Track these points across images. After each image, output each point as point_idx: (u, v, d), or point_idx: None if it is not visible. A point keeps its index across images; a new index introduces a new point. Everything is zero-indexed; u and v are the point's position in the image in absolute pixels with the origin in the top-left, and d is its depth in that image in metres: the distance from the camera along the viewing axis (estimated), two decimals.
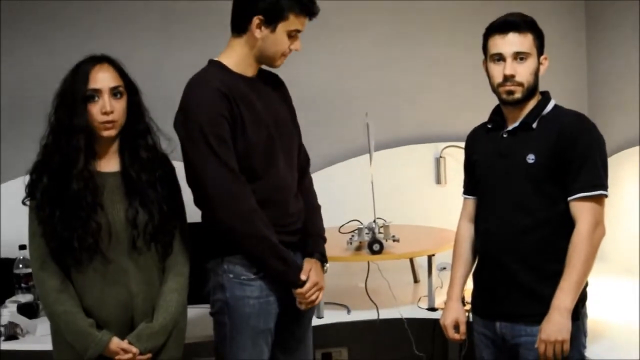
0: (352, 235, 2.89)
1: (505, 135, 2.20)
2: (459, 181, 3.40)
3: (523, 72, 2.12)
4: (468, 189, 2.39)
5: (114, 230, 2.05)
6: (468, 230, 2.35)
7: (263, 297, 2.17)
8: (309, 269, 2.20)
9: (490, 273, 2.24)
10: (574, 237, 2.07)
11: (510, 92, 2.12)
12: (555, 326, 2.04)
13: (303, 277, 2.16)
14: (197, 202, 2.18)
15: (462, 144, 3.37)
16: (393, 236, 2.84)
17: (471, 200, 2.36)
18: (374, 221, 2.85)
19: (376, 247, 2.73)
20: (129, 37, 3.40)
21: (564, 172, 2.08)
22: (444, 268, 3.31)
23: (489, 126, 2.27)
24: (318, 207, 2.37)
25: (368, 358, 3.39)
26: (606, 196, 2.10)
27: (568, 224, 2.09)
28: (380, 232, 2.86)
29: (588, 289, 2.18)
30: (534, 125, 2.15)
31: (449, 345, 3.44)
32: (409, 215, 3.38)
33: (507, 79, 2.11)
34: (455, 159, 3.53)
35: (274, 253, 2.12)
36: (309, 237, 2.29)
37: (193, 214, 2.23)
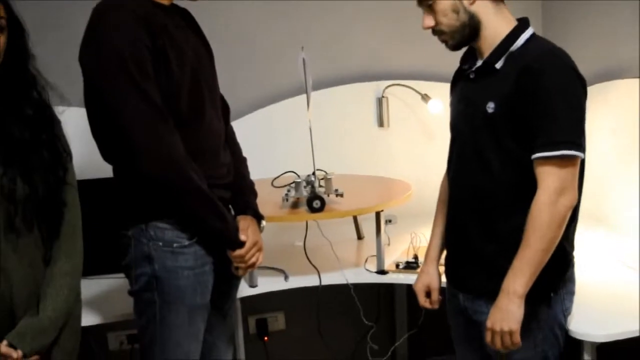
0: (288, 190, 2.51)
1: (471, 77, 1.87)
2: (402, 123, 3.23)
3: (439, 18, 1.82)
4: None
5: None
6: None
7: (198, 266, 1.89)
8: (246, 227, 1.95)
9: (453, 236, 1.97)
10: (532, 207, 1.72)
11: (445, 43, 1.86)
12: (501, 313, 1.75)
13: (243, 237, 1.92)
14: (109, 154, 1.86)
15: (406, 82, 3.18)
16: (336, 190, 2.46)
17: None
18: (313, 173, 2.46)
19: (317, 204, 2.35)
20: None
21: (526, 125, 1.73)
22: (389, 221, 3.03)
23: (465, 67, 1.92)
24: (245, 159, 2.15)
25: (309, 326, 3.05)
26: (576, 157, 1.72)
27: (533, 189, 1.75)
28: (320, 186, 2.49)
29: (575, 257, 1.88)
30: (498, 65, 1.79)
31: (396, 314, 3.16)
32: (350, 164, 3.09)
33: (431, 30, 1.86)
34: (400, 99, 3.22)
35: (211, 209, 1.85)
36: (239, 192, 2.05)
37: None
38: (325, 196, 2.40)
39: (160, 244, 1.84)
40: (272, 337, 3.25)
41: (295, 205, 2.47)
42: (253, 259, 1.95)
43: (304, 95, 2.42)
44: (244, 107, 3.06)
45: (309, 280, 2.51)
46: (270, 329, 3.26)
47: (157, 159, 1.75)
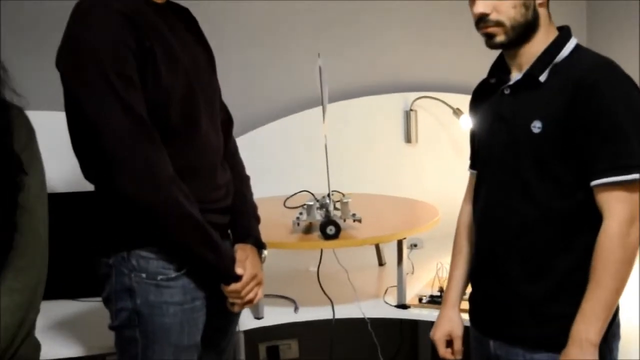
0: (300, 213, 2.26)
1: (506, 92, 1.64)
2: (431, 139, 2.99)
3: (502, 8, 1.58)
4: (473, 162, 1.86)
5: None
6: (472, 216, 1.82)
7: (187, 302, 1.66)
8: (245, 258, 1.73)
9: (484, 276, 1.73)
10: (600, 240, 1.51)
11: (490, 36, 1.61)
12: None
13: (239, 270, 1.69)
14: (90, 172, 1.65)
15: (437, 95, 2.93)
16: (353, 215, 2.21)
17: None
18: (328, 195, 2.21)
19: (331, 230, 2.11)
20: None
21: (581, 146, 1.51)
22: (415, 245, 2.79)
23: (492, 81, 1.70)
24: (247, 178, 1.92)
25: (326, 354, 2.80)
26: None
27: (590, 219, 1.53)
28: (336, 209, 2.24)
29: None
30: (543, 78, 1.58)
31: (419, 354, 2.90)
32: (372, 183, 2.88)
33: (481, 18, 1.61)
34: (429, 112, 2.99)
35: (202, 238, 1.62)
36: (238, 217, 1.83)
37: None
38: (341, 221, 2.16)
39: (144, 275, 1.61)
40: None
41: (307, 230, 2.24)
42: (251, 295, 1.72)
43: (321, 107, 2.18)
44: (257, 119, 2.88)
45: (322, 312, 2.28)
46: (282, 357, 3.03)
47: (138, 179, 1.53)
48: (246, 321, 2.20)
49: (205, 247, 1.62)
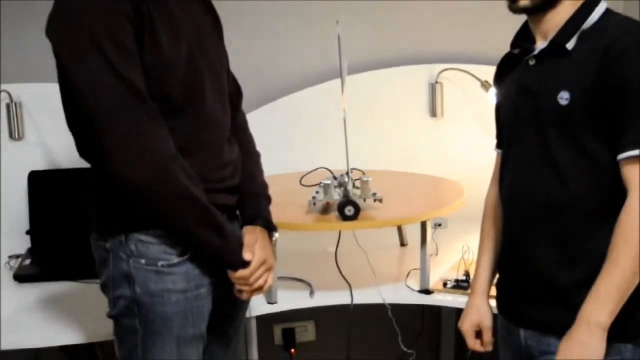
0: (317, 192, 2.12)
1: (531, 63, 1.52)
2: (458, 113, 2.83)
3: None
4: (499, 141, 1.74)
5: None
6: (498, 198, 1.70)
7: (191, 289, 1.55)
8: (253, 241, 1.61)
9: (513, 260, 1.61)
10: (622, 217, 1.39)
11: None
12: (578, 348, 1.41)
13: (247, 255, 1.57)
14: (84, 149, 1.52)
15: (465, 67, 2.77)
16: (374, 194, 2.08)
17: None
18: (347, 173, 2.07)
19: (350, 210, 1.97)
20: None
21: (611, 118, 1.40)
22: (439, 225, 2.63)
23: (515, 52, 1.59)
24: (258, 155, 1.80)
25: (344, 337, 2.69)
26: None
27: (624, 197, 1.41)
28: (355, 188, 2.10)
29: None
30: (570, 45, 1.46)
31: (441, 341, 2.76)
32: (394, 159, 2.72)
33: None
34: (456, 84, 2.81)
35: (206, 220, 1.49)
36: (247, 197, 1.70)
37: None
38: (360, 201, 2.02)
39: (143, 261, 1.50)
40: (300, 349, 2.89)
41: (325, 210, 2.10)
42: (260, 282, 1.61)
43: (339, 79, 2.03)
44: (270, 92, 2.72)
45: (339, 297, 2.15)
46: (298, 339, 2.91)
47: (133, 157, 1.40)
48: (258, 306, 2.08)
49: (210, 231, 1.50)
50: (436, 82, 2.79)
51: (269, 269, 1.63)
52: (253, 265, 1.57)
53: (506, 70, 1.63)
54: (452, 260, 2.32)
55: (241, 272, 1.56)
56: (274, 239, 1.71)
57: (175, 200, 1.45)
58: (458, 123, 2.83)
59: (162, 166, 1.42)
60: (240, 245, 1.58)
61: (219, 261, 1.56)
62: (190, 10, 1.56)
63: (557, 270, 1.49)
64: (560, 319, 1.47)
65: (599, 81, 1.40)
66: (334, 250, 2.27)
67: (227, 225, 1.55)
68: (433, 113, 2.82)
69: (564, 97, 1.43)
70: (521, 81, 1.54)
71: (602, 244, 1.41)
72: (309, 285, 2.20)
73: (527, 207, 1.53)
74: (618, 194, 1.40)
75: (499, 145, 1.72)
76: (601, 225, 1.43)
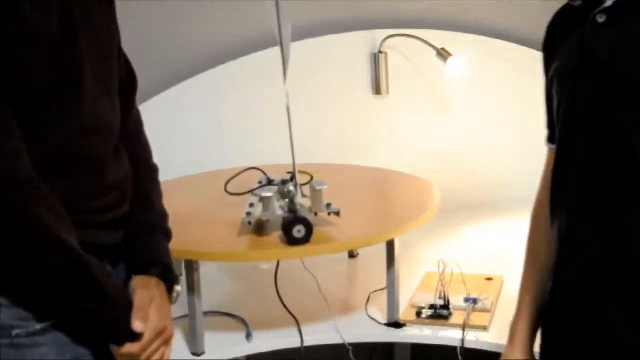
0: (251, 206, 1.62)
1: (600, 20, 1.14)
2: (407, 90, 2.40)
3: None
4: (552, 132, 1.32)
5: None
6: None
7: None
8: (147, 303, 1.23)
9: (567, 314, 1.20)
10: None
11: None
12: None
13: (137, 325, 1.19)
14: None
15: (415, 32, 2.32)
16: (328, 205, 1.59)
17: None
18: (292, 178, 1.57)
19: (299, 232, 1.48)
20: None
21: None
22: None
23: (577, 4, 1.21)
24: (155, 170, 1.41)
25: None
26: None
27: None
28: (304, 196, 1.61)
29: None
30: None
31: None
32: (332, 150, 2.33)
33: None
34: (404, 55, 2.39)
35: (77, 275, 1.13)
36: (139, 232, 1.31)
37: None
38: (311, 216, 1.53)
39: None
40: None
41: (260, 228, 1.59)
42: (155, 358, 1.23)
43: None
44: (182, 70, 2.24)
45: (285, 338, 1.69)
46: None
47: None
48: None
49: (83, 291, 1.13)
50: (379, 52, 2.38)
51: (166, 341, 1.24)
52: (146, 337, 1.19)
53: (561, 32, 1.22)
54: (417, 275, 1.89)
55: (129, 348, 1.19)
56: (174, 294, 1.31)
57: (29, 245, 1.07)
58: (407, 101, 2.43)
59: (10, 195, 1.04)
60: (127, 308, 1.19)
61: (97, 333, 1.18)
62: None
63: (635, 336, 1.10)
64: None
65: None
66: (272, 269, 1.79)
67: (107, 280, 1.16)
68: (377, 90, 2.41)
69: None
70: (585, 47, 1.16)
71: None
72: (244, 323, 1.72)
73: (595, 234, 1.13)
74: None
75: (551, 139, 1.31)
76: None
